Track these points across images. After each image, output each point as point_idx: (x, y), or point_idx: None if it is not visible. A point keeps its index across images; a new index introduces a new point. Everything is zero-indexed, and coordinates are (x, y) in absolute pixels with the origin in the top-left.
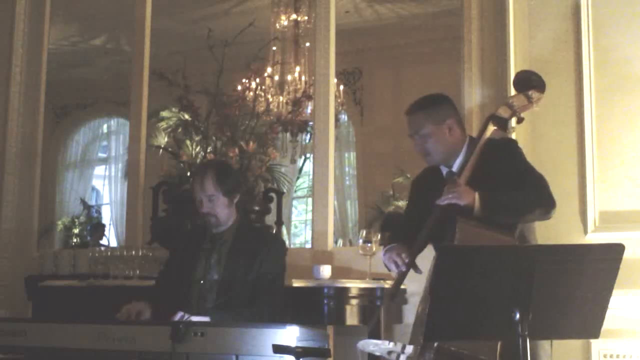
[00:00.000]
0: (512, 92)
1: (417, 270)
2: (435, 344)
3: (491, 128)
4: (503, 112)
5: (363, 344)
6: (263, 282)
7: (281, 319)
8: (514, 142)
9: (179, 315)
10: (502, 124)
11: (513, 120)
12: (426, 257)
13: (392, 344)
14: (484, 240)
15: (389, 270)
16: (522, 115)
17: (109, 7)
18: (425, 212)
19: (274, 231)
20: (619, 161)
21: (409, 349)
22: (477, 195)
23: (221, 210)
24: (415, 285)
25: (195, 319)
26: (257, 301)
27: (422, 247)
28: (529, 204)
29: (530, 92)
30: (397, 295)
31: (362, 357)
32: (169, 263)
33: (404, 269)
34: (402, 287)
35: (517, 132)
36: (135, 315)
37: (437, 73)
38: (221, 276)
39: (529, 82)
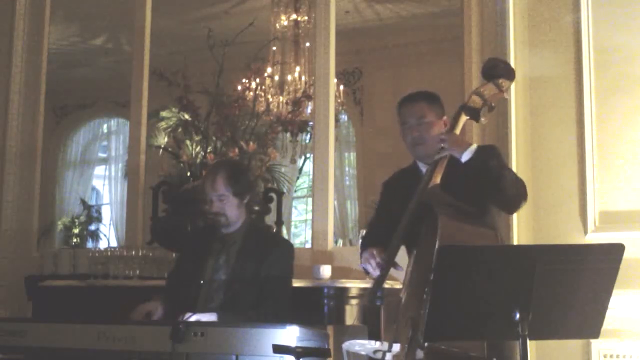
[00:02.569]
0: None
1: (396, 267)
2: (426, 343)
3: (464, 118)
4: (474, 102)
5: (348, 344)
6: (269, 285)
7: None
8: (496, 147)
9: (187, 316)
10: (474, 114)
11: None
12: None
13: (378, 343)
14: (466, 235)
15: (367, 273)
16: (493, 104)
17: (109, 7)
18: (400, 214)
19: (274, 231)
20: (619, 161)
21: (396, 347)
22: (473, 147)
23: (231, 210)
24: None
25: (203, 317)
26: (262, 304)
27: (399, 246)
28: (514, 180)
29: (500, 81)
30: (377, 296)
31: (349, 357)
32: (178, 263)
33: (378, 271)
34: (401, 286)
35: (518, 132)
36: (145, 315)
37: (437, 73)
38: (228, 277)
39: (497, 70)
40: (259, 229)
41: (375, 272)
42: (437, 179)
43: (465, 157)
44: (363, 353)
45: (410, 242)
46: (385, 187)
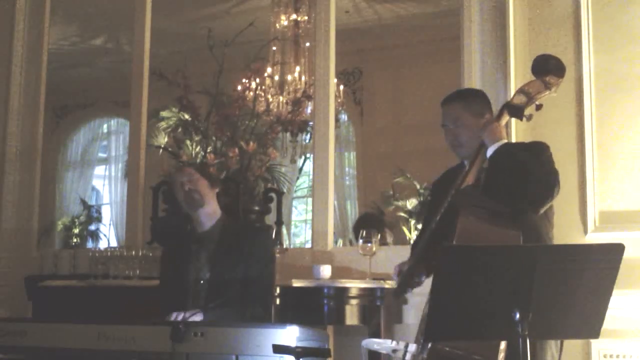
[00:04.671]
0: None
1: (420, 279)
2: (429, 344)
3: (506, 117)
4: (518, 99)
5: (367, 342)
6: (252, 278)
7: (270, 312)
8: (541, 144)
9: (174, 315)
10: (517, 112)
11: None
12: None
13: (394, 342)
14: (483, 236)
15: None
16: (539, 102)
17: (109, 7)
18: (445, 215)
19: (274, 231)
20: (619, 161)
21: (412, 347)
22: (501, 142)
23: (204, 189)
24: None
25: (188, 315)
26: (249, 298)
27: (423, 255)
28: (537, 179)
29: (547, 78)
30: (400, 295)
31: (365, 355)
32: (166, 265)
33: (396, 279)
34: None
35: (518, 133)
36: None
37: (437, 73)
38: (212, 275)
39: (546, 66)
40: (235, 224)
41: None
42: (471, 179)
43: (490, 150)
44: (384, 352)
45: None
46: (433, 187)
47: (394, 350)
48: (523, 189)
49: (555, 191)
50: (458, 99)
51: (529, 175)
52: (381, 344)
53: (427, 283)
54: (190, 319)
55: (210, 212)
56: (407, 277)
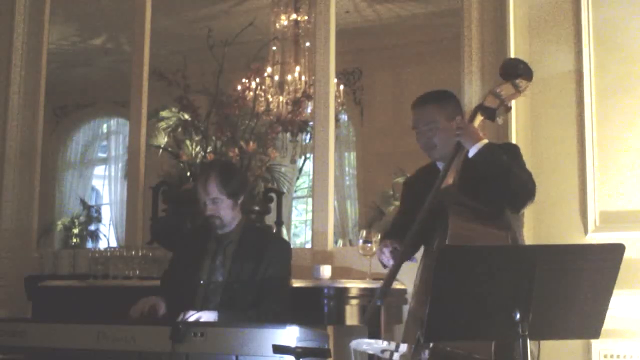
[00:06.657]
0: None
1: (411, 259)
2: (431, 344)
3: (479, 118)
4: (490, 102)
5: (356, 343)
6: (269, 285)
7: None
8: (516, 146)
9: (189, 314)
10: (490, 113)
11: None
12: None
13: (385, 342)
14: (476, 235)
15: (382, 263)
16: (509, 104)
17: (109, 7)
18: (417, 212)
19: (274, 231)
20: (619, 161)
21: (403, 347)
22: (482, 142)
23: (225, 212)
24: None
25: (204, 315)
26: (262, 304)
27: (413, 243)
28: (519, 177)
29: (517, 81)
30: (387, 294)
31: (356, 356)
32: (173, 263)
33: (391, 260)
34: (402, 287)
35: (518, 132)
36: (149, 309)
37: (437, 73)
38: (226, 278)
39: (516, 70)
40: (255, 229)
41: (389, 262)
42: (450, 179)
43: (472, 151)
44: (371, 352)
45: (427, 242)
46: (405, 185)
47: (383, 351)
48: (508, 190)
49: (535, 192)
50: (432, 101)
51: (514, 177)
52: (370, 344)
53: (412, 282)
54: (205, 319)
55: (230, 220)
56: (394, 272)
